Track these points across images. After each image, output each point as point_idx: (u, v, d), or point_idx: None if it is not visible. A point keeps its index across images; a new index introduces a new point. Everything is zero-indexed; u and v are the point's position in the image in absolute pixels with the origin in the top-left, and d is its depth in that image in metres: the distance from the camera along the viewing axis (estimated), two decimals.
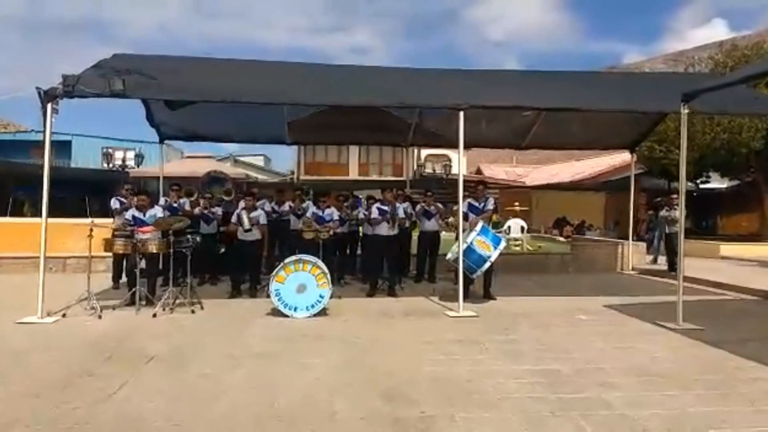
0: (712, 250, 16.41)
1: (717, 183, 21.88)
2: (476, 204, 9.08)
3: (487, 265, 8.17)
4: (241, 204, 9.18)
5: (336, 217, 9.72)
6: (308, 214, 9.67)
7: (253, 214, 8.93)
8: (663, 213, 12.94)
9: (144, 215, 8.28)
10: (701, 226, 22.10)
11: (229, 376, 4.89)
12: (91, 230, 7.57)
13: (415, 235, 11.10)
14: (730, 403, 4.31)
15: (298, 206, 10.45)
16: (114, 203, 9.77)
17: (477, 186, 9.46)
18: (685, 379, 4.88)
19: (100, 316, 7.17)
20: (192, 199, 10.19)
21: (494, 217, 9.25)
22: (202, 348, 5.83)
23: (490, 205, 9.34)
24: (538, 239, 20.17)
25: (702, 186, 21.47)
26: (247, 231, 8.80)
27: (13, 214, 17.04)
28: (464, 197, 8.59)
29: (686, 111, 7.34)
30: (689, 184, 16.97)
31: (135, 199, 8.90)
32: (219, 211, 10.15)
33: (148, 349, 5.66)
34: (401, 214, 9.51)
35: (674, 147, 17.38)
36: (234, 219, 8.98)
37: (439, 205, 10.85)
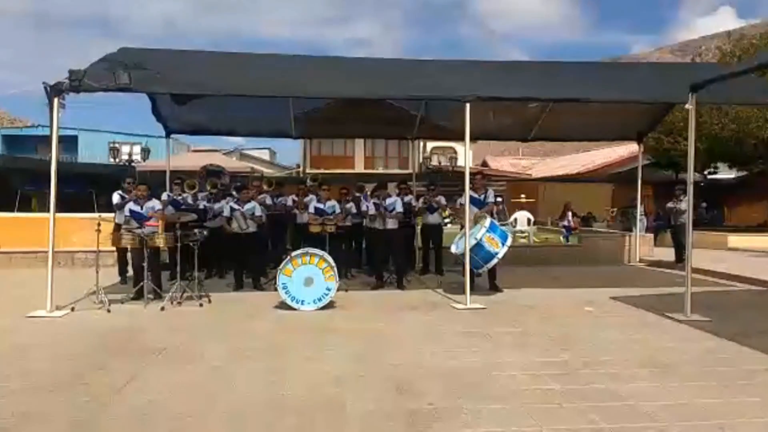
0: (720, 241, 16.34)
1: (725, 174, 21.73)
2: (477, 196, 8.92)
3: (494, 261, 8.18)
4: (228, 203, 9.15)
5: (338, 209, 9.69)
6: (310, 209, 9.63)
7: (247, 207, 8.93)
8: (670, 204, 12.88)
9: (141, 208, 8.26)
10: (703, 219, 21.79)
11: (238, 369, 4.91)
12: (99, 224, 7.60)
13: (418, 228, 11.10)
14: (739, 394, 4.30)
15: (301, 201, 10.44)
16: (115, 198, 9.54)
17: (475, 176, 9.04)
18: (694, 371, 4.86)
19: (108, 310, 7.20)
20: (193, 192, 10.15)
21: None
22: (211, 341, 5.85)
23: (491, 198, 9.27)
24: (545, 231, 20.14)
25: (710, 177, 21.34)
26: (242, 228, 8.84)
27: (20, 210, 17.11)
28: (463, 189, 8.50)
29: (694, 101, 7.29)
30: (696, 175, 16.86)
31: (135, 190, 8.81)
32: (224, 204, 10.08)
33: (157, 343, 5.69)
34: (399, 207, 9.31)
35: (682, 138, 17.29)
36: (227, 213, 8.97)
37: (441, 199, 10.82)
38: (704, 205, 22.29)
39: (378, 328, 6.49)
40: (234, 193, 9.56)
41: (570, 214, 18.51)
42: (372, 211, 9.27)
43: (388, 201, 9.26)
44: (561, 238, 17.45)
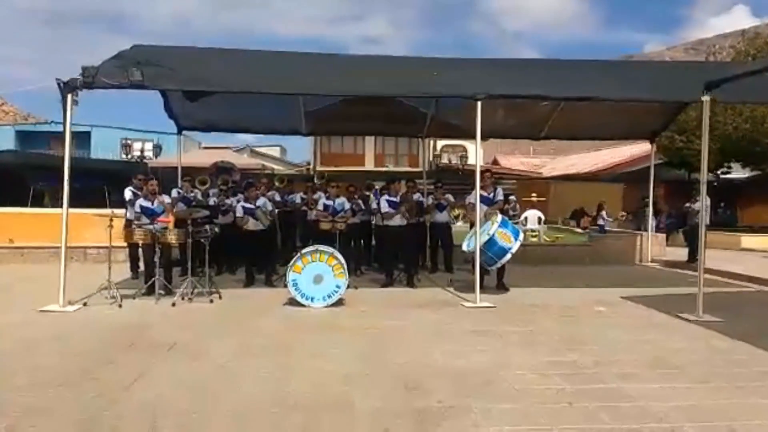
0: (733, 241, 16.20)
1: (738, 173, 21.51)
2: (486, 194, 8.82)
3: (508, 257, 8.12)
4: (240, 202, 9.15)
5: (347, 206, 9.69)
6: (319, 206, 9.65)
7: (259, 203, 8.95)
8: (687, 204, 12.79)
9: (152, 204, 8.28)
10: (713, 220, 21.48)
11: (246, 365, 4.92)
12: (111, 220, 7.65)
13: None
14: (751, 395, 4.26)
15: (311, 198, 10.48)
16: (127, 194, 9.63)
17: (482, 174, 8.77)
18: (705, 372, 4.83)
19: (120, 305, 7.26)
20: (203, 188, 10.17)
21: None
22: (221, 337, 5.87)
23: (500, 195, 9.23)
24: (556, 230, 20.04)
25: (723, 176, 21.14)
26: (264, 225, 8.86)
27: (33, 205, 17.25)
28: (473, 188, 8.47)
29: (708, 100, 7.23)
30: (709, 174, 16.72)
31: (145, 186, 8.76)
32: (234, 201, 10.13)
33: (167, 339, 5.72)
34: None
35: (695, 137, 17.16)
36: (240, 213, 8.97)
37: (450, 197, 10.81)
38: (723, 205, 22.10)
39: (387, 325, 6.48)
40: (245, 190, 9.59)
41: (605, 213, 18.51)
42: (385, 208, 9.24)
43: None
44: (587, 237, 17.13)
